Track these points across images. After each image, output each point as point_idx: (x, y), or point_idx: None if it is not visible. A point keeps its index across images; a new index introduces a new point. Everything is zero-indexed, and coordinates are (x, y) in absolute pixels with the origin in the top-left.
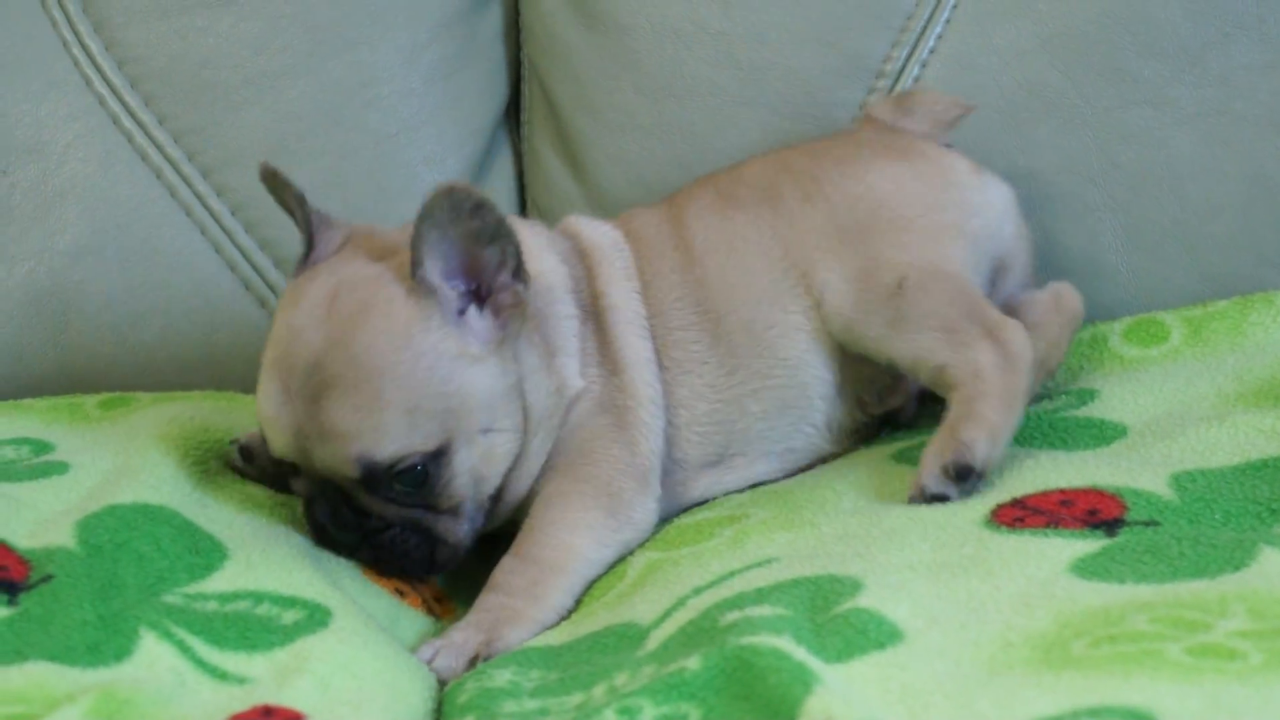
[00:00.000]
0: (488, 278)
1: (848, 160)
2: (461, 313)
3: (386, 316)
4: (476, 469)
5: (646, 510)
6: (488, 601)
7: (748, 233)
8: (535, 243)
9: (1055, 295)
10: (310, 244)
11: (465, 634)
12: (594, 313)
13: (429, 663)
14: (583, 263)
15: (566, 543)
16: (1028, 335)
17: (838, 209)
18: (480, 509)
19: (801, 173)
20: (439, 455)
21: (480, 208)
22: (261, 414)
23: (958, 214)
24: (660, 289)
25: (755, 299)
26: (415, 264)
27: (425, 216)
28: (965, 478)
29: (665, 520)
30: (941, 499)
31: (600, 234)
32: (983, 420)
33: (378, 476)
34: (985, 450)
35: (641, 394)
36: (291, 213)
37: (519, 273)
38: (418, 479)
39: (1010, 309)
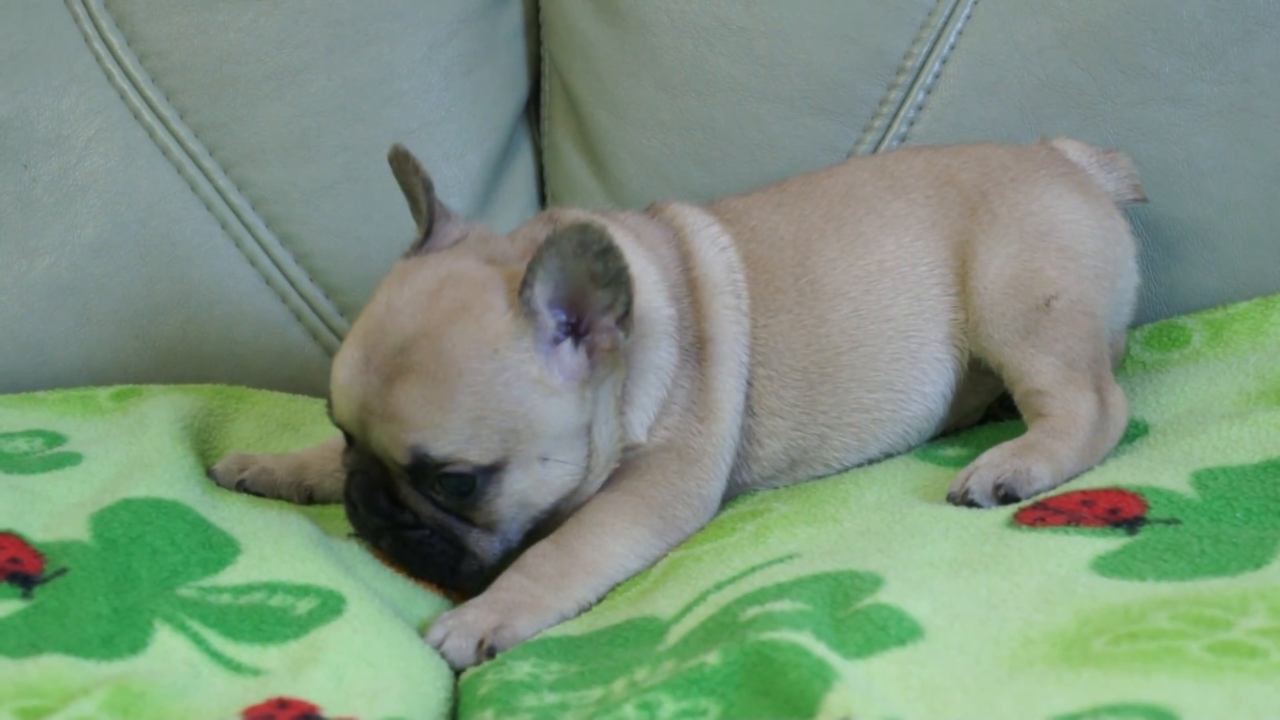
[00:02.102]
0: (591, 316)
1: (1023, 180)
2: (556, 342)
3: (481, 323)
4: (526, 495)
5: (695, 529)
6: (510, 580)
7: (896, 259)
8: (648, 279)
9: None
10: (429, 232)
11: (478, 614)
12: (698, 357)
13: (440, 644)
14: (692, 296)
15: (609, 548)
16: (1128, 405)
17: (1004, 224)
18: (520, 530)
19: (968, 187)
20: (492, 471)
21: (607, 252)
22: (335, 377)
23: (1115, 269)
24: (773, 331)
25: (888, 334)
26: (525, 284)
27: (551, 244)
28: (1008, 502)
29: None
30: (976, 506)
31: (716, 258)
32: (1057, 461)
33: (426, 471)
34: (1041, 485)
35: (725, 444)
36: (415, 199)
37: (623, 320)
38: (463, 487)
39: None
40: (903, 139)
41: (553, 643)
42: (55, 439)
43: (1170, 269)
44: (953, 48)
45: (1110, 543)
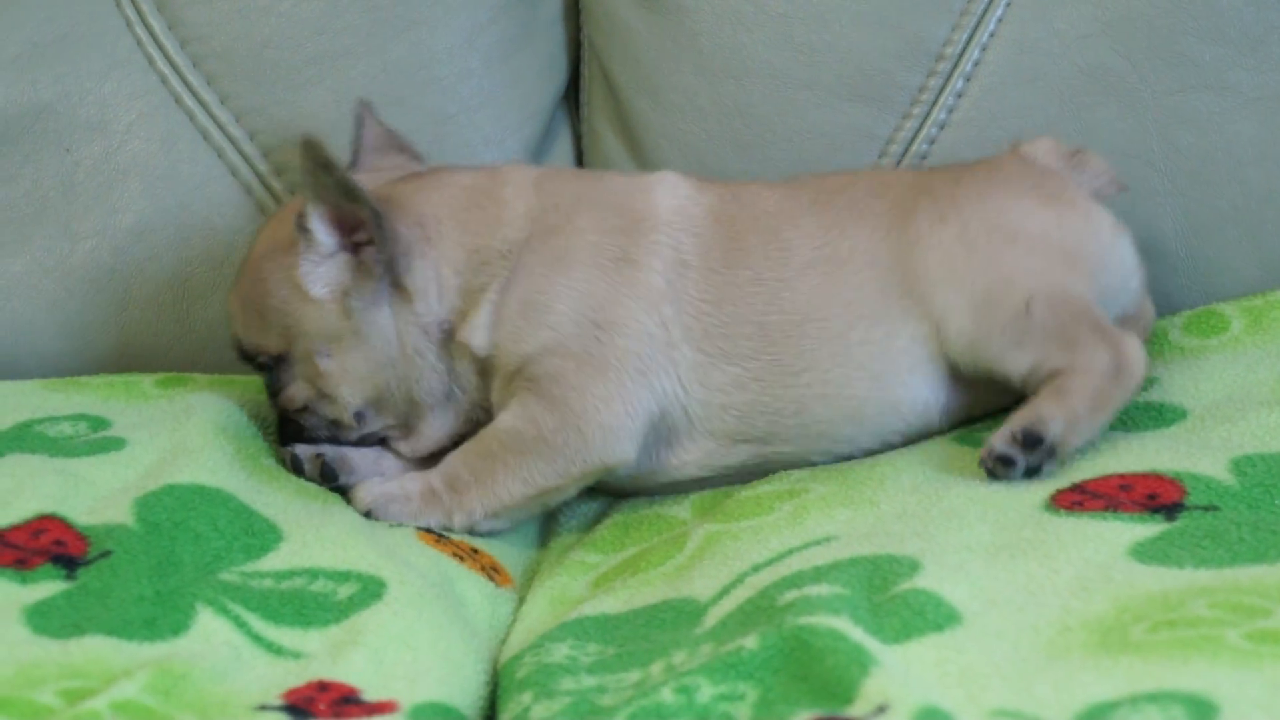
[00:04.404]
0: (367, 231)
1: (992, 193)
2: (331, 255)
3: (278, 228)
4: (315, 383)
5: (600, 461)
6: (431, 476)
7: (867, 250)
8: (508, 212)
9: (1139, 307)
10: (353, 160)
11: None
12: (617, 274)
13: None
14: (636, 226)
15: (492, 474)
16: (1145, 354)
17: (970, 228)
18: (339, 427)
19: (941, 195)
20: (281, 359)
21: (327, 166)
22: None
23: (1093, 265)
24: (727, 280)
25: (854, 315)
26: (307, 203)
27: (300, 163)
28: (1033, 446)
29: (718, 489)
30: (1008, 463)
31: (663, 201)
32: (1066, 405)
33: (248, 359)
34: (1059, 429)
35: (630, 363)
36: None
37: (379, 235)
38: (269, 372)
39: None
40: (941, 126)
41: (590, 623)
42: (99, 423)
43: (1210, 256)
44: (992, 35)
45: (1149, 529)
